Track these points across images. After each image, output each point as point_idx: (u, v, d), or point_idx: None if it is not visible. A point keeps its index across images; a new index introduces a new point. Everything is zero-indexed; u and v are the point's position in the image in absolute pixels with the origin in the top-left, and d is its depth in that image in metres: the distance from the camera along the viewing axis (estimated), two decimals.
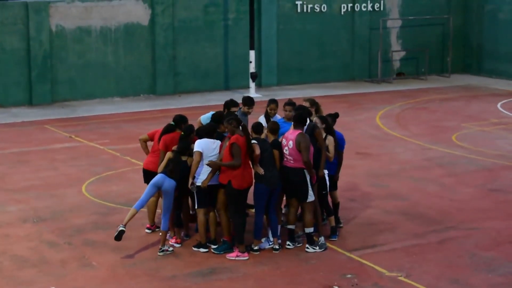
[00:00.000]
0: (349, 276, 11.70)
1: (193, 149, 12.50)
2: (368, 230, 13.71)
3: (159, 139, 13.07)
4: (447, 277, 11.69)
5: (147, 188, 12.56)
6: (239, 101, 14.02)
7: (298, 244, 12.86)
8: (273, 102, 13.82)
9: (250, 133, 12.52)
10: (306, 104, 13.56)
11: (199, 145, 12.44)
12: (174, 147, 12.66)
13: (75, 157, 19.14)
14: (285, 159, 12.54)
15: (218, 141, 12.59)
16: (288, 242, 12.79)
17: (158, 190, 12.54)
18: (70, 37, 26.83)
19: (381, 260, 12.32)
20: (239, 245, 12.43)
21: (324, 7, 30.68)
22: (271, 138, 12.68)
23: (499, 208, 15.02)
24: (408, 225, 14.01)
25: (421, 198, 15.64)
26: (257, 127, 12.63)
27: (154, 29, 27.89)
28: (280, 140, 12.67)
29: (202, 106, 25.21)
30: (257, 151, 12.32)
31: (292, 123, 12.73)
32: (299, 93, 26.96)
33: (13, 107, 25.78)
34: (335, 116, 13.55)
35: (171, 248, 12.69)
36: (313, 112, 13.53)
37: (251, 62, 27.70)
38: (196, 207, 12.71)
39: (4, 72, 26.00)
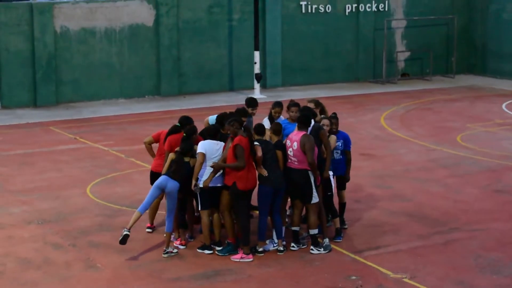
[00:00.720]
0: (353, 278, 11.70)
1: (196, 150, 12.51)
2: (373, 231, 13.70)
3: (165, 140, 13.07)
4: (452, 278, 11.68)
5: (151, 190, 12.56)
6: (242, 102, 13.95)
7: (302, 245, 12.85)
8: (278, 105, 13.77)
9: (252, 135, 12.51)
10: (311, 105, 13.57)
11: (202, 146, 12.43)
12: (177, 148, 12.66)
13: (80, 159, 19.14)
14: (289, 160, 12.54)
15: (222, 142, 12.59)
16: (292, 244, 12.78)
17: (162, 192, 12.54)
18: (74, 38, 26.83)
19: (385, 261, 12.31)
20: (244, 247, 12.44)
21: (328, 8, 30.64)
22: (274, 139, 12.67)
23: (504, 209, 15.00)
24: (413, 226, 14.00)
25: (426, 199, 15.62)
26: (259, 128, 12.62)
27: (159, 30, 27.87)
28: (284, 141, 12.67)
29: (207, 108, 25.21)
30: (259, 153, 12.31)
31: (297, 124, 12.73)
32: (304, 94, 26.97)
33: (17, 109, 25.78)
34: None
35: (175, 250, 12.68)
36: (318, 113, 13.54)
37: (255, 63, 27.68)
38: (199, 209, 12.72)
39: (9, 73, 26.00)
